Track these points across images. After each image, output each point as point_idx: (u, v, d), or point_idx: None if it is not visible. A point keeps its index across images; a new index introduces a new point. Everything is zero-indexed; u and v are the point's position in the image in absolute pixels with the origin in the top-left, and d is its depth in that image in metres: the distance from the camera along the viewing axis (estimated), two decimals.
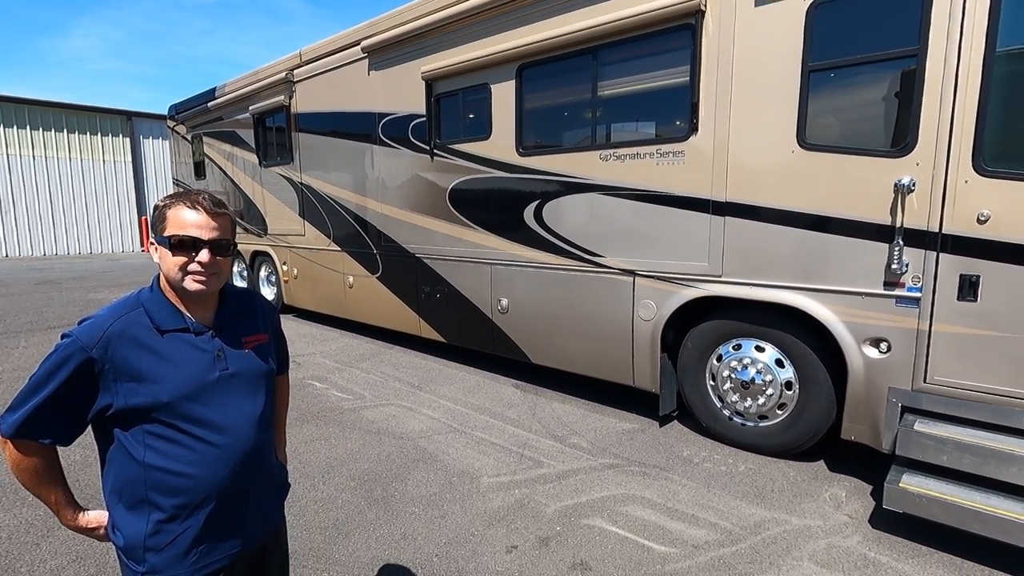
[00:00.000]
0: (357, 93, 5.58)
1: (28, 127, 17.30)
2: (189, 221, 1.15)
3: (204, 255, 1.15)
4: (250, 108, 7.23)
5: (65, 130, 18.02)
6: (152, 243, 1.21)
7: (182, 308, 1.21)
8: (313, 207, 6.55)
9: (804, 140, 2.89)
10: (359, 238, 5.92)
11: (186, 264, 1.15)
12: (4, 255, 17.23)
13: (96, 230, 18.99)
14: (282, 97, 6.61)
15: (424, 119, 4.90)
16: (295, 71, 6.39)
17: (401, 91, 5.10)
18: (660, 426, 3.76)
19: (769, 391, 3.22)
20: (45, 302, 8.75)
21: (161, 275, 1.21)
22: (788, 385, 3.17)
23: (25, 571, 2.29)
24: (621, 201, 3.65)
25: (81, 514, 1.21)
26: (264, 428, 1.28)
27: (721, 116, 3.15)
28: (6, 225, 17.20)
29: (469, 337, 4.96)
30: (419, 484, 3.00)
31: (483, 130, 4.46)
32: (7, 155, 16.96)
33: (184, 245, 1.14)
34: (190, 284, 1.16)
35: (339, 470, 3.16)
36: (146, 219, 19.71)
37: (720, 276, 3.26)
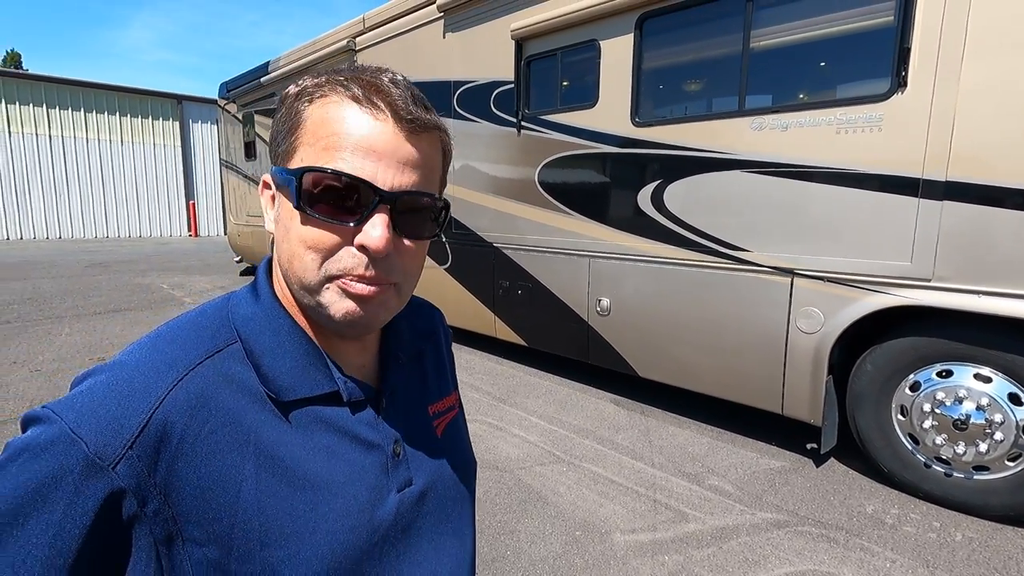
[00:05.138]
0: (429, 60, 4.92)
1: (83, 109, 17.39)
2: (355, 136, 0.47)
3: (377, 230, 0.48)
4: None
5: (117, 113, 18.07)
6: (268, 185, 0.53)
7: (318, 343, 0.54)
8: None
9: None
10: None
11: (334, 250, 0.48)
12: (58, 236, 17.43)
13: (145, 214, 19.06)
14: None
15: (511, 86, 4.20)
16: (357, 39, 5.78)
17: (483, 55, 4.41)
18: (816, 465, 2.99)
19: (997, 435, 2.41)
20: (93, 286, 8.47)
21: (275, 266, 0.55)
22: None
23: None
24: (778, 181, 2.88)
25: None
26: None
27: (947, 65, 2.34)
28: (60, 207, 17.38)
29: (557, 342, 4.26)
30: (534, 539, 2.32)
31: (587, 97, 3.73)
32: (62, 137, 17.10)
33: (332, 196, 0.47)
34: (335, 302, 0.49)
35: None
36: (194, 204, 19.75)
37: (929, 280, 2.46)
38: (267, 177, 0.54)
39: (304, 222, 0.48)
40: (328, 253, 0.49)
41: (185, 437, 0.45)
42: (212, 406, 0.47)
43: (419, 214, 0.52)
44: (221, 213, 19.39)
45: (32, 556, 0.39)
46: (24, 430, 0.44)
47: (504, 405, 3.82)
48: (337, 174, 0.47)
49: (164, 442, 0.44)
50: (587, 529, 2.39)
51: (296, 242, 0.49)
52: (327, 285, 0.49)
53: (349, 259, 0.49)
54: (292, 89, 0.52)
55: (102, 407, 0.43)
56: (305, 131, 0.49)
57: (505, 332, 4.65)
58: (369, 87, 0.49)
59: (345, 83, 0.49)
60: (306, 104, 0.50)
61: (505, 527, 2.40)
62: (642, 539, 2.32)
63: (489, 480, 2.79)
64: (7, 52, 27.41)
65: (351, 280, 0.49)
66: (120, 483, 0.42)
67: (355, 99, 0.48)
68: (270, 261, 0.57)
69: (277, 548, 0.46)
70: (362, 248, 0.48)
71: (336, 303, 0.49)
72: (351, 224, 0.48)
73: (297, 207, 0.48)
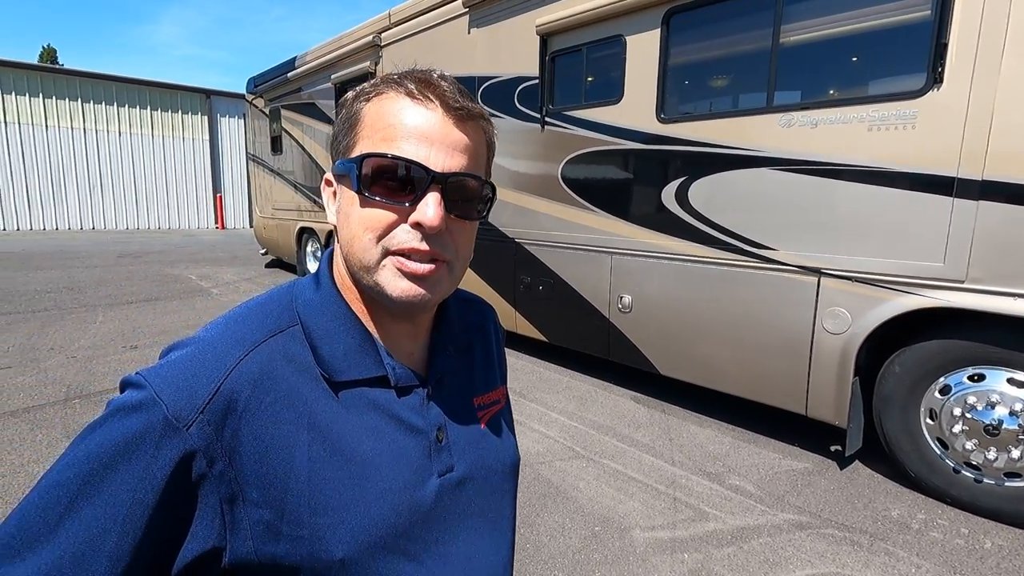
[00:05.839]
0: (454, 55, 4.94)
1: (115, 104, 17.83)
2: (409, 125, 0.51)
3: (431, 208, 0.51)
4: (332, 77, 6.75)
5: (149, 107, 18.49)
6: (330, 182, 0.58)
7: (373, 330, 0.57)
8: None
9: None
10: None
11: (391, 228, 0.52)
12: (91, 227, 17.95)
13: (174, 206, 19.50)
14: (367, 63, 6.08)
15: (535, 82, 4.20)
16: (383, 34, 5.83)
17: (508, 50, 4.41)
18: (840, 468, 2.95)
19: None
20: (125, 275, 8.71)
21: (337, 255, 0.59)
22: None
23: None
24: (806, 179, 2.83)
25: None
26: None
27: (985, 61, 2.28)
28: (93, 198, 17.88)
29: (578, 338, 4.26)
30: (554, 533, 2.34)
31: (612, 92, 3.72)
32: (96, 130, 17.57)
33: (389, 179, 0.50)
34: (391, 280, 0.53)
35: None
36: (221, 196, 20.14)
37: (962, 281, 2.41)
38: (329, 175, 0.58)
39: (363, 204, 0.52)
40: (385, 231, 0.52)
41: (249, 406, 0.49)
42: (273, 380, 0.51)
43: (468, 195, 0.55)
44: (247, 206, 19.79)
45: (120, 500, 0.45)
46: (122, 391, 0.50)
47: (524, 400, 3.84)
48: (393, 157, 0.51)
49: (230, 410, 0.49)
50: (607, 525, 2.40)
51: (356, 224, 0.53)
52: (383, 263, 0.53)
53: (404, 235, 0.52)
54: (351, 94, 0.56)
55: (181, 376, 0.48)
56: (364, 126, 0.53)
57: (526, 327, 4.67)
58: (421, 82, 0.52)
59: (399, 80, 0.53)
60: (363, 103, 0.54)
61: (525, 520, 2.42)
62: (661, 536, 2.33)
63: None
64: (43, 48, 28.24)
65: (406, 259, 0.52)
66: (192, 443, 0.47)
67: (409, 93, 0.52)
68: (332, 253, 0.61)
69: (323, 516, 0.50)
70: (417, 225, 0.52)
71: (392, 282, 0.53)
72: (407, 204, 0.52)
73: (357, 191, 0.52)
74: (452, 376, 0.64)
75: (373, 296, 0.56)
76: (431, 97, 0.52)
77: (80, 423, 3.20)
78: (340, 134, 0.56)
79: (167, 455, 0.46)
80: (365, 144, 0.53)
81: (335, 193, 0.58)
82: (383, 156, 0.51)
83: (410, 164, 0.51)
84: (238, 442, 0.49)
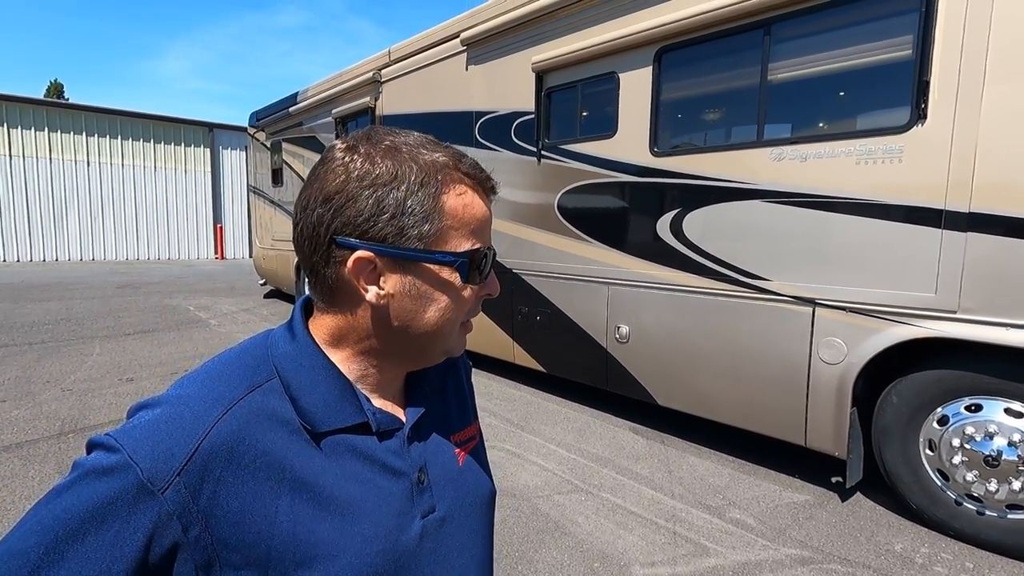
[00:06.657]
0: (452, 91, 5.06)
1: (119, 137, 18.10)
2: (484, 218, 0.61)
3: (495, 280, 0.64)
4: (332, 112, 6.90)
5: (152, 140, 18.76)
6: (368, 259, 0.54)
7: (353, 378, 0.59)
8: None
9: None
10: None
11: (474, 302, 0.62)
12: (91, 258, 18.00)
13: (175, 236, 19.60)
14: (367, 99, 6.21)
15: (531, 117, 4.30)
16: (383, 71, 5.98)
17: (505, 86, 4.52)
18: (842, 500, 2.92)
19: None
20: (123, 307, 8.71)
21: (324, 322, 0.59)
22: None
23: None
24: (798, 211, 2.88)
25: None
26: None
27: (967, 97, 2.35)
28: (94, 230, 17.99)
29: (576, 369, 4.26)
30: (552, 570, 2.30)
31: (607, 127, 3.80)
32: (99, 163, 17.79)
33: (480, 264, 0.60)
34: (460, 343, 0.65)
35: None
36: (221, 227, 20.26)
37: (955, 312, 2.43)
38: (366, 253, 0.53)
39: (462, 289, 0.59)
40: (472, 309, 0.62)
41: (228, 467, 0.49)
42: (252, 439, 0.51)
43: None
44: (247, 237, 19.90)
45: (88, 570, 0.43)
46: (88, 452, 0.49)
47: (522, 432, 3.81)
48: (492, 250, 0.61)
49: (208, 471, 0.48)
50: (605, 561, 2.36)
51: (447, 307, 0.59)
52: (457, 331, 0.62)
53: (478, 306, 0.63)
54: (415, 176, 0.54)
55: (157, 437, 0.48)
56: (447, 216, 0.56)
57: (523, 358, 4.66)
58: (481, 176, 0.60)
59: (471, 174, 0.59)
60: (441, 195, 0.55)
61: (523, 557, 2.38)
62: (661, 573, 2.29)
63: (507, 508, 2.78)
64: (51, 83, 28.79)
65: (468, 323, 0.64)
66: (167, 508, 0.46)
67: (475, 189, 0.59)
68: (306, 301, 0.62)
69: (308, 569, 0.50)
70: (487, 296, 0.63)
71: (460, 344, 0.64)
72: (480, 280, 0.61)
73: (466, 281, 0.58)
74: (430, 416, 0.65)
75: (428, 355, 0.62)
76: (487, 189, 0.61)
77: (74, 458, 3.17)
78: (412, 218, 0.54)
79: (140, 522, 0.45)
80: (454, 236, 0.57)
81: (379, 271, 0.55)
82: (487, 250, 0.60)
83: (493, 252, 0.61)
84: (215, 505, 0.47)
